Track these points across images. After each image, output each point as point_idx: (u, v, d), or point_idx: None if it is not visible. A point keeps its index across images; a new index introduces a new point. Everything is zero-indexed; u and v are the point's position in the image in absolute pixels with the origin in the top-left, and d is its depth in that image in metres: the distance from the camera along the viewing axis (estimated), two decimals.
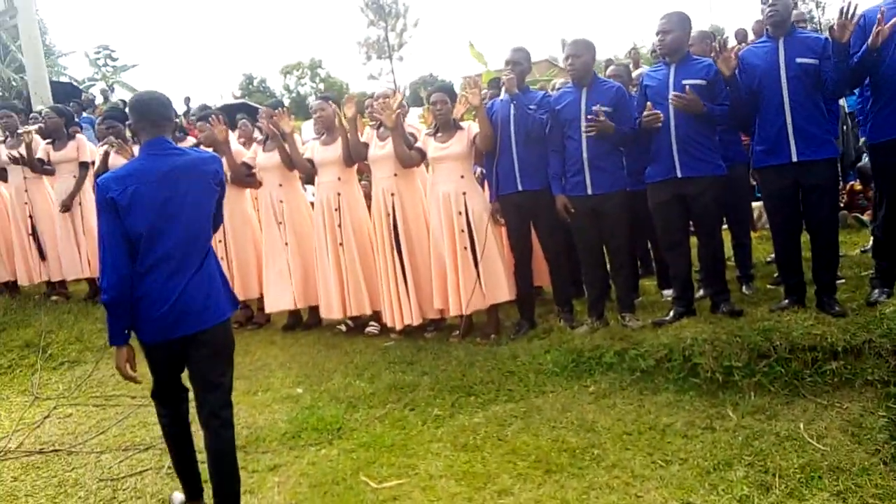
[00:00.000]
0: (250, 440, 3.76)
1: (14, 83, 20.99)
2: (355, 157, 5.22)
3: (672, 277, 4.48)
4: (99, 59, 29.28)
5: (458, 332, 5.04)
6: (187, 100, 15.91)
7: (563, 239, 4.86)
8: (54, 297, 6.64)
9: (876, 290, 3.95)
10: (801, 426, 3.25)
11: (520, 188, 4.66)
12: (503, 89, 4.63)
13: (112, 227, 2.58)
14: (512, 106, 4.59)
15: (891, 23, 3.54)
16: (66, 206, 6.25)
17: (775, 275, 5.04)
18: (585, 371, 4.11)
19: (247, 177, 5.71)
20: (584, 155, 4.37)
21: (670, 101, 4.02)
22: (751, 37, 9.25)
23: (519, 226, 4.81)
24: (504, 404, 3.90)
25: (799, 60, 3.78)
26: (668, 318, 4.31)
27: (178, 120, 6.25)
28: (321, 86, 42.58)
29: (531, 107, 4.56)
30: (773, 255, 5.67)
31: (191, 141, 5.95)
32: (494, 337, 4.86)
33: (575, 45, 4.44)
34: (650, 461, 3.17)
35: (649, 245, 5.67)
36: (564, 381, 4.05)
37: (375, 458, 3.46)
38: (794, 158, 3.80)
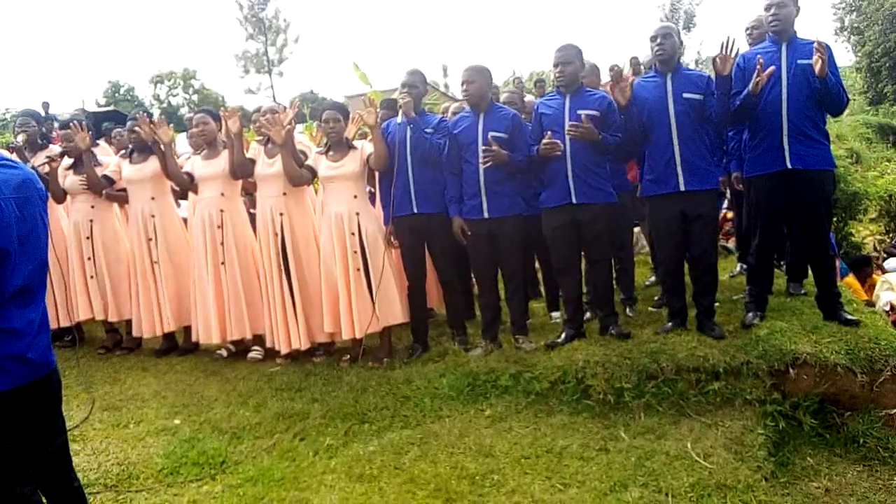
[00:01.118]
0: (122, 478, 3.41)
1: None
2: (241, 173, 4.97)
3: (564, 301, 4.58)
4: None
5: (348, 356, 4.88)
6: (46, 105, 14.66)
7: (457, 262, 4.85)
8: None
9: (750, 314, 4.21)
10: (689, 445, 3.38)
11: (415, 211, 4.61)
12: (400, 112, 4.58)
13: None
14: (408, 129, 4.55)
15: (768, 71, 3.83)
16: None
17: (656, 297, 5.29)
18: (481, 394, 4.09)
19: (117, 191, 5.29)
20: (482, 179, 4.40)
21: (567, 130, 4.12)
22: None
23: (414, 248, 4.75)
24: (400, 431, 3.78)
25: (686, 95, 4.01)
26: (560, 340, 4.38)
27: (39, 127, 5.71)
28: (195, 97, 40.87)
29: (427, 130, 4.54)
30: (651, 279, 5.97)
31: (55, 149, 5.45)
32: (387, 361, 4.75)
33: (470, 71, 4.47)
34: (549, 485, 3.17)
35: (536, 267, 5.79)
36: (461, 406, 4.00)
37: (264, 494, 3.23)
38: (682, 188, 4.01)
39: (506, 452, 3.47)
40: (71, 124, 5.09)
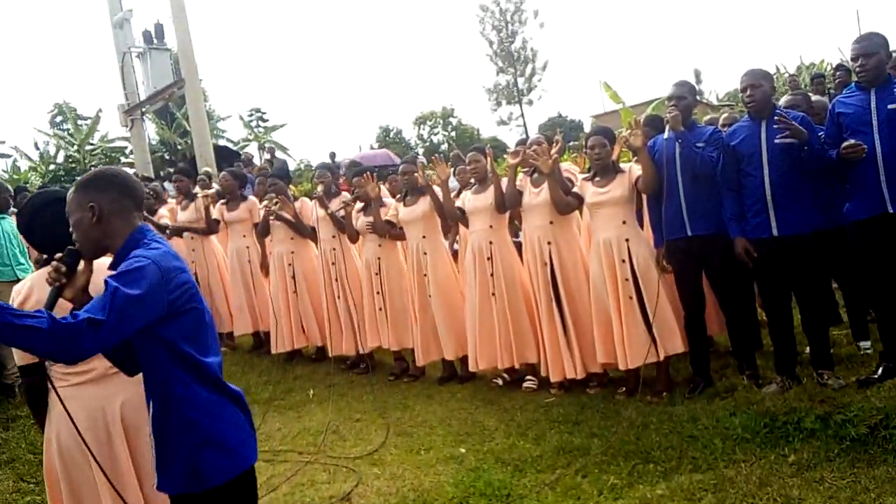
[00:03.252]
0: None
1: (179, 146, 23.05)
2: (510, 204, 5.10)
3: (880, 328, 3.93)
4: (252, 121, 31.61)
5: (624, 388, 4.71)
6: (332, 155, 16.62)
7: (740, 286, 4.45)
8: (222, 349, 6.97)
9: None
10: None
11: (689, 233, 4.33)
12: (667, 126, 4.35)
13: None
14: (677, 144, 4.30)
15: None
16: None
17: None
18: (781, 438, 3.65)
19: (393, 231, 5.73)
20: (768, 192, 3.97)
21: None
22: None
23: (689, 273, 4.45)
24: (689, 474, 3.51)
25: None
26: (876, 375, 3.78)
27: (332, 177, 6.42)
28: (453, 133, 43.52)
29: (699, 144, 4.24)
30: None
31: (345, 196, 6.09)
32: (666, 395, 4.49)
33: (752, 74, 4.09)
34: None
35: (834, 288, 5.09)
36: (757, 450, 3.61)
37: None
38: None
39: None
40: (364, 175, 5.67)
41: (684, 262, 4.43)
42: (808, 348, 4.30)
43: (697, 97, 4.85)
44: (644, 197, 4.73)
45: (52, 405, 2.41)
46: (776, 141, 3.95)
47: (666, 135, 4.42)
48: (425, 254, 5.51)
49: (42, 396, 2.44)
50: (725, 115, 5.61)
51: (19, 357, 2.43)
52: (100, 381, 2.41)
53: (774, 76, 14.69)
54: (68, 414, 2.13)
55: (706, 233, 4.31)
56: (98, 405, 2.40)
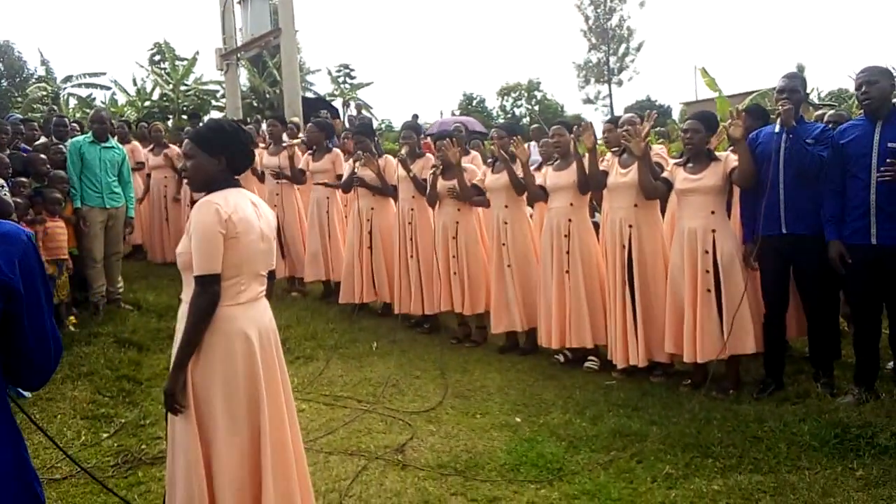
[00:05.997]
0: (469, 465, 3.67)
1: (268, 95, 23.53)
2: (593, 185, 5.02)
3: None
4: (339, 76, 31.90)
5: (689, 380, 4.62)
6: (415, 117, 16.68)
7: (827, 291, 4.27)
8: (294, 294, 7.19)
9: None
10: None
11: (784, 231, 4.18)
12: (777, 120, 4.17)
13: None
14: (785, 138, 4.12)
15: None
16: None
17: None
18: (851, 450, 3.52)
19: (477, 196, 5.73)
20: (872, 198, 3.79)
21: None
22: None
23: (777, 272, 4.31)
24: (749, 474, 3.43)
25: None
26: None
27: (416, 139, 6.44)
28: (536, 107, 42.86)
29: (808, 141, 4.06)
30: None
31: (430, 158, 6.11)
32: (733, 393, 4.38)
33: (868, 71, 3.88)
34: None
35: None
36: (824, 459, 3.49)
37: None
38: None
39: None
40: (447, 140, 5.69)
41: (774, 260, 4.30)
42: (889, 363, 4.11)
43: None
44: (737, 190, 4.58)
45: (220, 322, 2.44)
46: (889, 145, 3.75)
47: (777, 128, 4.23)
48: (505, 223, 5.49)
49: (214, 309, 2.43)
50: (832, 112, 5.32)
51: (200, 266, 2.38)
52: (255, 302, 2.56)
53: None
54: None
55: (802, 232, 4.16)
56: (263, 323, 2.58)
